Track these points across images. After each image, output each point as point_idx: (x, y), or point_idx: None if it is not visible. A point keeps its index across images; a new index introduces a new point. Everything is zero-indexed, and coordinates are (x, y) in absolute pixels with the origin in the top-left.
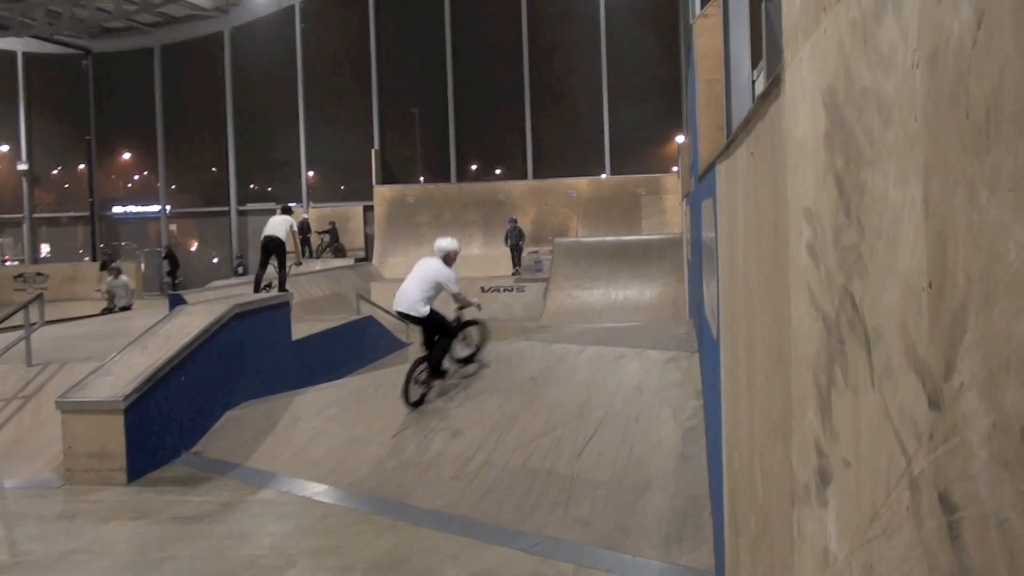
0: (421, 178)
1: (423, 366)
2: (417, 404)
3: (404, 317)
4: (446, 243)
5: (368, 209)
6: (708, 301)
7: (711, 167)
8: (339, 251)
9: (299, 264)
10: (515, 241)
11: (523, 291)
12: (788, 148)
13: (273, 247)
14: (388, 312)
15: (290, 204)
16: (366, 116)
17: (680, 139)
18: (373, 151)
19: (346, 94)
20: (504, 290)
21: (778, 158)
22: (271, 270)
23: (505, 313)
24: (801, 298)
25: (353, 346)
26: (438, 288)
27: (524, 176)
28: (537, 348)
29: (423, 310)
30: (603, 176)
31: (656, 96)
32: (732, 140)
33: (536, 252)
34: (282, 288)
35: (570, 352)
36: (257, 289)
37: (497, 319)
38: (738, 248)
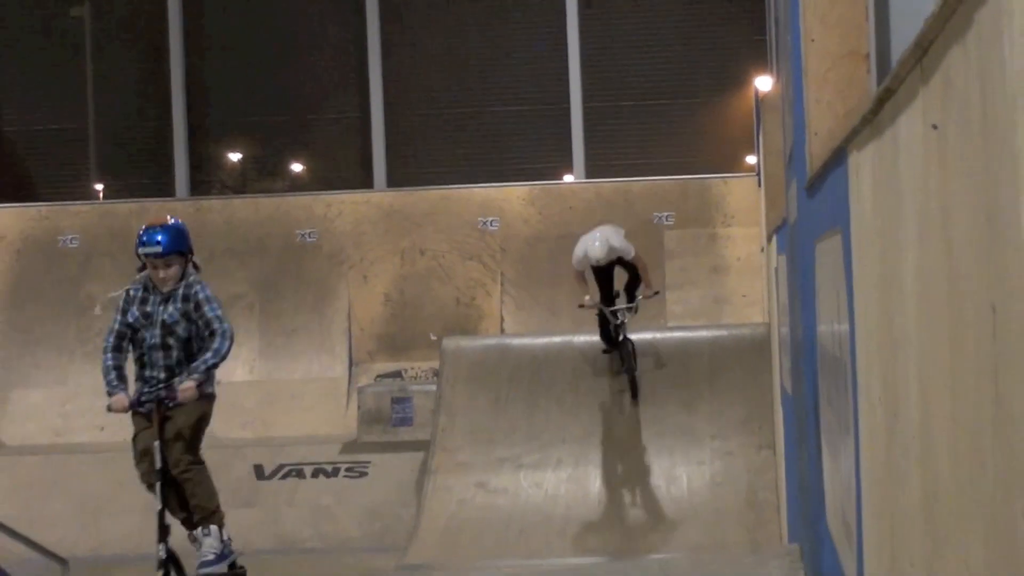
0: (99, 186)
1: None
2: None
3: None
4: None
5: None
6: (836, 498)
7: (838, 158)
8: None
9: None
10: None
11: (364, 474)
12: (1021, 115)
13: None
14: (14, 533)
15: None
16: None
17: (763, 87)
18: None
19: None
20: (320, 473)
21: (999, 140)
22: None
23: (322, 532)
24: None
25: None
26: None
27: (366, 182)
28: None
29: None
30: (568, 180)
31: None
32: (888, 92)
33: (397, 375)
34: None
35: None
36: None
37: (302, 548)
38: (905, 364)
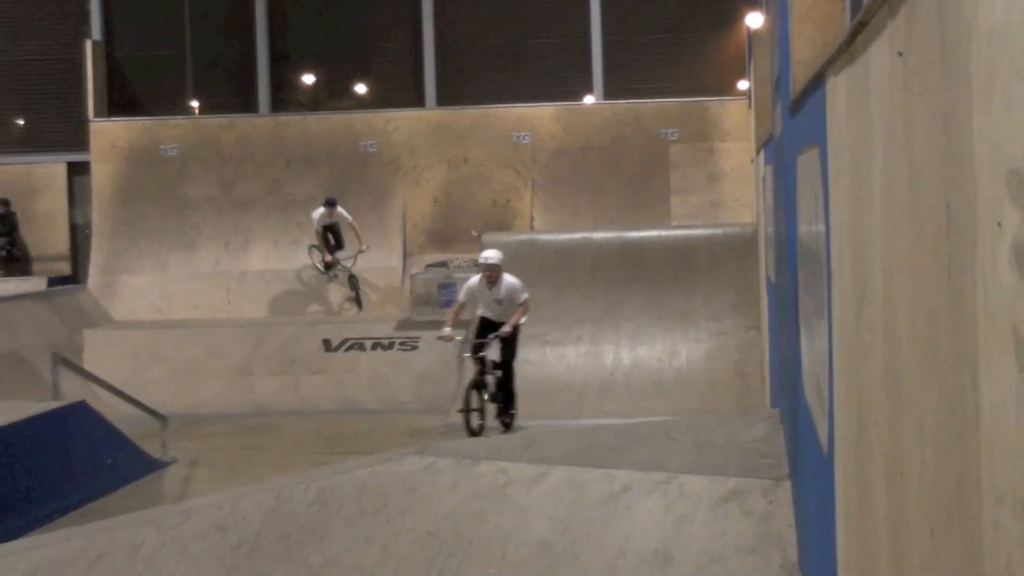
0: (194, 103)
1: (489, 392)
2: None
3: (486, 329)
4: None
5: (78, 170)
6: (811, 369)
7: (817, 82)
8: (14, 260)
9: None
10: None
11: (415, 348)
12: (975, 43)
13: None
14: (122, 394)
15: None
16: None
17: (753, 23)
18: (89, 44)
19: None
20: (378, 346)
21: (955, 65)
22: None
23: (379, 395)
24: (1001, 362)
25: (47, 468)
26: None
27: (418, 101)
28: (444, 473)
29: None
30: (589, 101)
31: None
32: (860, 25)
33: (443, 265)
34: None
35: (515, 481)
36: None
37: (362, 409)
38: (872, 256)
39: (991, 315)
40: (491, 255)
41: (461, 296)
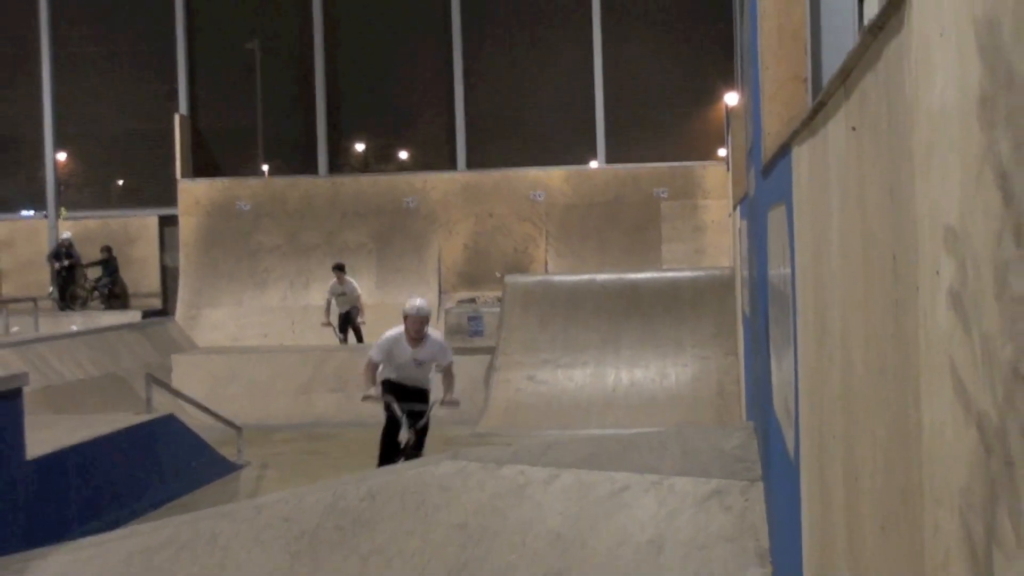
0: (264, 167)
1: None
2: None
3: (409, 397)
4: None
5: (168, 222)
6: (780, 390)
7: (784, 151)
8: (115, 297)
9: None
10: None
11: None
12: (916, 121)
13: None
14: (204, 408)
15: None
16: (164, 54)
17: (731, 101)
18: (177, 118)
19: (129, 15)
20: None
21: (899, 139)
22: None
23: None
24: (939, 387)
25: (140, 470)
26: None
27: (451, 165)
28: (473, 475)
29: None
30: (593, 165)
31: (687, 27)
32: (820, 104)
33: (472, 301)
34: None
35: (532, 482)
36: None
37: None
38: (831, 296)
39: (931, 348)
40: (422, 303)
41: (374, 354)
